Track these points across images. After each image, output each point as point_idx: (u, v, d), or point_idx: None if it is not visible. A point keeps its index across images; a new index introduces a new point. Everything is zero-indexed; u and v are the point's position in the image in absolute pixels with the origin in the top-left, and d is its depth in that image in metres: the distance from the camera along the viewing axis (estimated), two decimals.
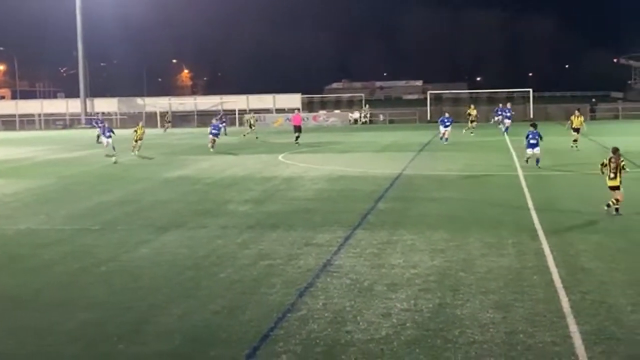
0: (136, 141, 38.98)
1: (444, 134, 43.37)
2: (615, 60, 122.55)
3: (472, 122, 51.83)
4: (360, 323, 10.62)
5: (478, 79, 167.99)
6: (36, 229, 18.66)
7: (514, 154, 35.15)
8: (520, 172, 27.72)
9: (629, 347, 9.49)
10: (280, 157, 37.26)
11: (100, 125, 45.51)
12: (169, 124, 68.12)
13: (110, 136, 38.84)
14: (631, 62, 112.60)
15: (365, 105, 79.51)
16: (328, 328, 10.43)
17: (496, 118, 56.01)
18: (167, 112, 75.38)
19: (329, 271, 13.62)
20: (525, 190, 23.24)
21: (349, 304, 11.55)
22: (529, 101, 72.20)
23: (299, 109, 55.32)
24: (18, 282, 13.43)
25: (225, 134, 53.18)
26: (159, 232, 17.82)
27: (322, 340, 9.97)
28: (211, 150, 40.60)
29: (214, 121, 44.71)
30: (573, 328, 10.18)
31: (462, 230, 17.11)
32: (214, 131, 41.65)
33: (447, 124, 43.45)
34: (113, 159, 35.72)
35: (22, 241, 17.24)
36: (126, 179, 29.41)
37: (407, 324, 10.53)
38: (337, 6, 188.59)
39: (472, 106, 54.55)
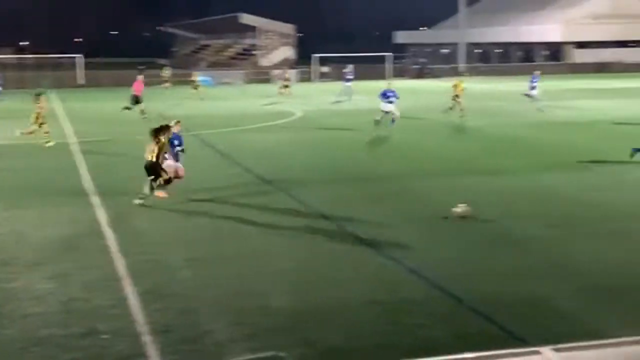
0: None
1: None
2: (159, 27, 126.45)
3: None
4: None
5: (24, 43, 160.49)
6: None
7: (66, 120, 34.47)
8: (74, 140, 27.27)
9: (183, 301, 10.06)
10: None
11: None
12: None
13: None
14: (175, 30, 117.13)
15: None
16: None
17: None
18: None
19: None
20: (81, 157, 23.06)
21: None
22: (79, 67, 71.02)
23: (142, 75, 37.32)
24: None
25: None
26: None
27: None
28: None
29: None
30: (129, 289, 10.50)
31: (17, 202, 16.57)
32: None
33: None
34: None
35: None
36: None
37: None
38: None
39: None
